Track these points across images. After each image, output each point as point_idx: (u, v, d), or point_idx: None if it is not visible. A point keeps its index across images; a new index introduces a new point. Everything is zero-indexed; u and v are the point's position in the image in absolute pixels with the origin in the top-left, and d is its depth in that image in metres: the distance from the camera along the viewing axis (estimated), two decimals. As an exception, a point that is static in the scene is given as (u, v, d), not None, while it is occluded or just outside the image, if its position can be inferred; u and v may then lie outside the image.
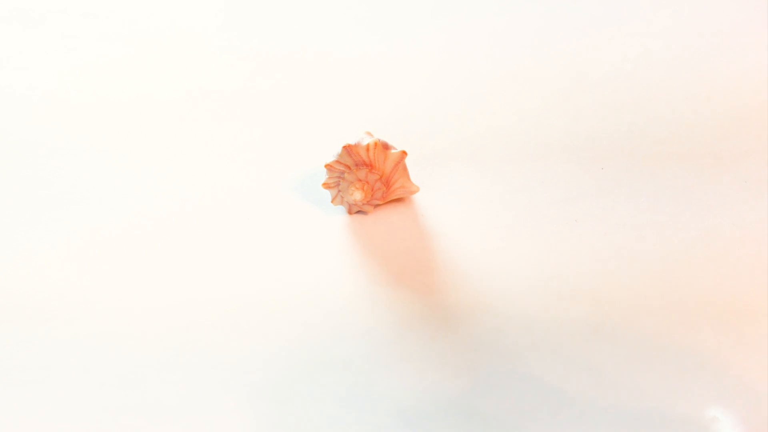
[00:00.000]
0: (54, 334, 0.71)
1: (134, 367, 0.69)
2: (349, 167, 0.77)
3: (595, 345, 0.69)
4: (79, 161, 0.83)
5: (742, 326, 0.70)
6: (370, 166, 0.77)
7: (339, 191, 0.78)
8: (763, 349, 0.68)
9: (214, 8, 0.98)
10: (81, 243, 0.77)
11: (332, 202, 0.78)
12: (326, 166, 0.77)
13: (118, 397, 0.67)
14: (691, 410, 0.66)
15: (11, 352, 0.70)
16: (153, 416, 0.66)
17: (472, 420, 0.66)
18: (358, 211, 0.79)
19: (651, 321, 0.71)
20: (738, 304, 0.71)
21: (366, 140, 0.77)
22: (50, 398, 0.67)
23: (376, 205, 0.79)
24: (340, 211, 0.79)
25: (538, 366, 0.68)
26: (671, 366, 0.68)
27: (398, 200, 0.80)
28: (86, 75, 0.91)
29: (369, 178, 0.77)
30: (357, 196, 0.77)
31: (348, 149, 0.77)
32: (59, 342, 0.70)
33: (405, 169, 0.78)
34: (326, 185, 0.78)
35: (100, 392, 0.67)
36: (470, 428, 0.65)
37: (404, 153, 0.78)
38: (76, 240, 0.77)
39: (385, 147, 0.77)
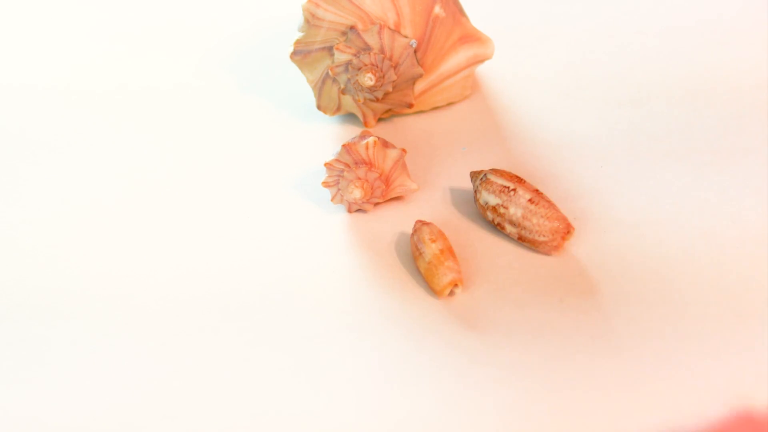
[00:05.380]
0: (51, 327, 0.71)
1: (129, 365, 0.69)
2: (348, 166, 0.77)
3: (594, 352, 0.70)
4: (77, 159, 0.83)
5: (743, 326, 0.70)
6: (369, 164, 0.77)
7: (339, 190, 0.78)
8: (764, 348, 0.68)
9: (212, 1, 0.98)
10: (80, 242, 0.77)
11: (332, 200, 0.78)
12: (326, 164, 0.77)
13: (114, 396, 0.67)
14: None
15: (10, 349, 0.70)
16: (148, 416, 0.66)
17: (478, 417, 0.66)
18: (358, 210, 0.79)
19: (652, 320, 0.71)
20: (738, 303, 0.71)
21: (365, 139, 0.77)
22: (48, 398, 0.68)
23: (376, 204, 0.79)
24: (340, 209, 0.79)
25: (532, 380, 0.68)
26: (671, 366, 0.68)
27: (397, 198, 0.80)
28: (86, 65, 0.91)
29: (368, 177, 0.77)
30: (356, 194, 0.77)
31: (347, 148, 0.77)
32: (55, 337, 0.70)
33: (404, 167, 0.78)
34: (326, 184, 0.78)
35: (96, 391, 0.68)
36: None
37: (403, 151, 0.78)
38: (74, 239, 0.77)
39: (385, 145, 0.77)
